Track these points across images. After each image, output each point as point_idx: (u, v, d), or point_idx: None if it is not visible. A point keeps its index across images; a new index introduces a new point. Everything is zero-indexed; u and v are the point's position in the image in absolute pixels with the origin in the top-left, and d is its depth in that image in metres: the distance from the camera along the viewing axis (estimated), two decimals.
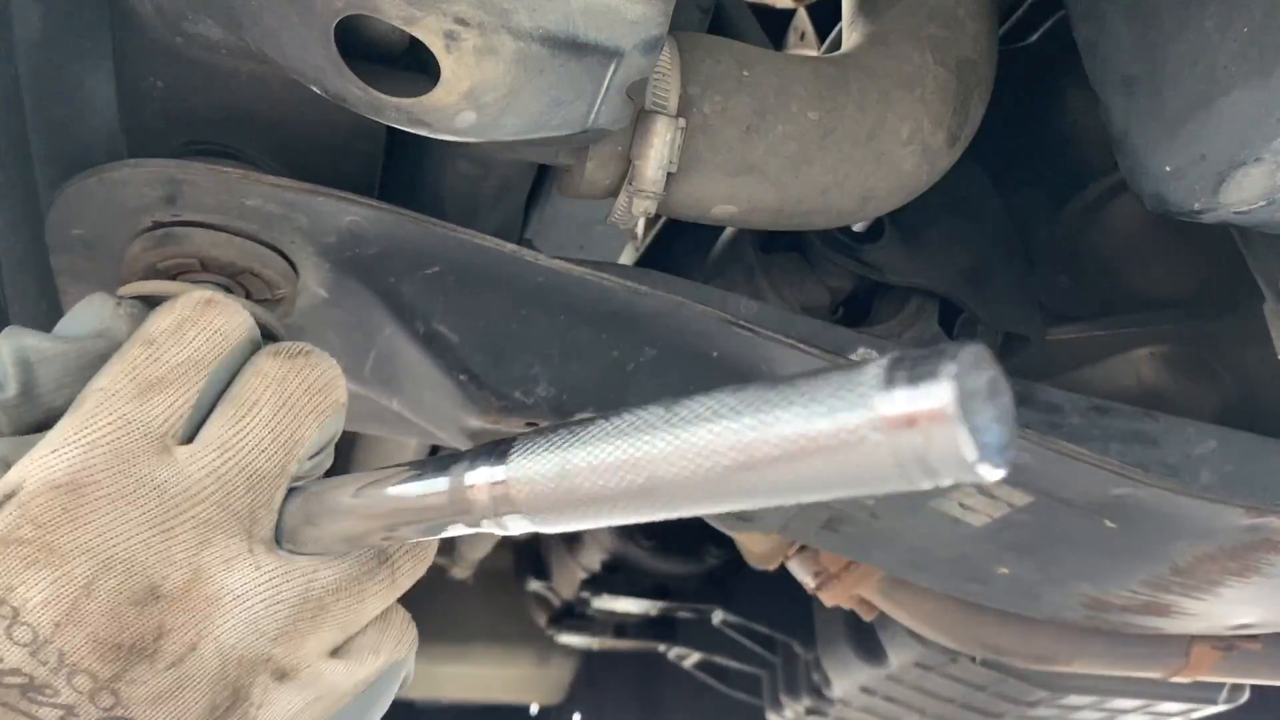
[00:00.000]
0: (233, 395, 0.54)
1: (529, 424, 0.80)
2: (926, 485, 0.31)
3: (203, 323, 0.55)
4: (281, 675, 0.52)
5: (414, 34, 0.56)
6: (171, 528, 0.49)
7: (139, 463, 0.50)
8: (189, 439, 0.53)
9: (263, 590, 0.51)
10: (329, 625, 0.54)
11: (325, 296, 0.77)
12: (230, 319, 0.56)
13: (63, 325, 0.59)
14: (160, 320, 0.55)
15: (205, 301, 0.56)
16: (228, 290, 0.73)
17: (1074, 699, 1.87)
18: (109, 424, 0.50)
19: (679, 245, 1.27)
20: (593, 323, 0.80)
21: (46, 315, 0.84)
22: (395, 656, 0.59)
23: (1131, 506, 0.93)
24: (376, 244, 0.73)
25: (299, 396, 0.55)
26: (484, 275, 0.76)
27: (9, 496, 0.48)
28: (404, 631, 0.60)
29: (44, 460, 0.49)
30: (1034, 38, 1.15)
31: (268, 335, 0.66)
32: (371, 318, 0.79)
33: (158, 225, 0.69)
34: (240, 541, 0.51)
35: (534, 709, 3.64)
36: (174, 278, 0.72)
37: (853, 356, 0.87)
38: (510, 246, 0.75)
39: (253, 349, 0.57)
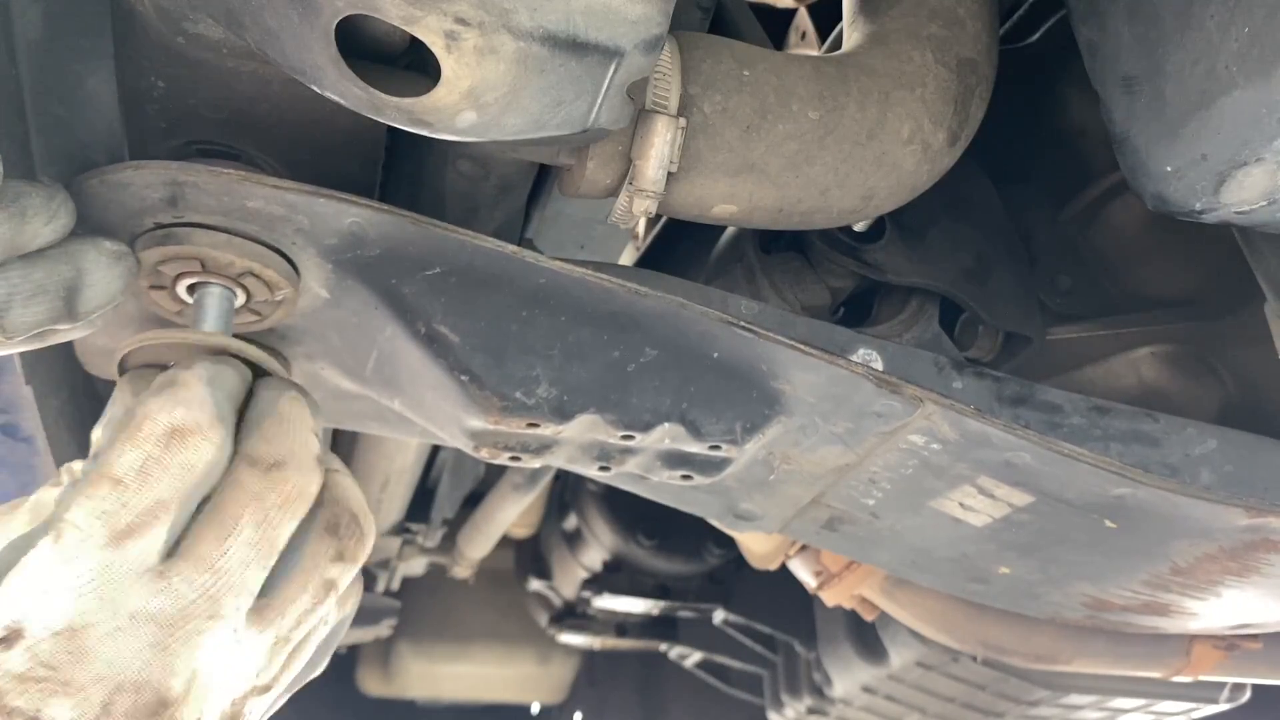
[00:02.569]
0: (215, 512, 0.60)
1: (530, 424, 0.80)
2: None
3: (168, 460, 0.59)
4: (263, 690, 0.64)
5: (414, 34, 0.56)
6: (169, 645, 0.57)
7: (129, 599, 0.57)
8: (173, 549, 0.59)
9: (249, 658, 0.61)
10: (290, 647, 0.64)
11: (327, 297, 0.77)
12: (197, 451, 0.60)
13: None
14: (125, 456, 0.59)
15: (170, 435, 0.59)
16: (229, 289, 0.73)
17: (1075, 698, 1.87)
18: (92, 571, 0.56)
19: (680, 245, 1.27)
20: (594, 323, 0.80)
21: None
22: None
23: (1132, 506, 0.93)
24: (378, 245, 0.73)
25: (276, 510, 0.62)
26: (485, 276, 0.77)
27: (14, 637, 0.55)
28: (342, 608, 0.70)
29: (39, 603, 0.55)
30: (1034, 38, 1.15)
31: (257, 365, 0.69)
32: (373, 318, 0.79)
33: (159, 226, 0.69)
34: (228, 632, 0.59)
35: (535, 708, 3.64)
36: (176, 279, 0.72)
37: (853, 357, 0.87)
38: (511, 247, 0.75)
39: (224, 462, 0.62)
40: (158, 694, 0.56)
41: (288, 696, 0.69)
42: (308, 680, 0.71)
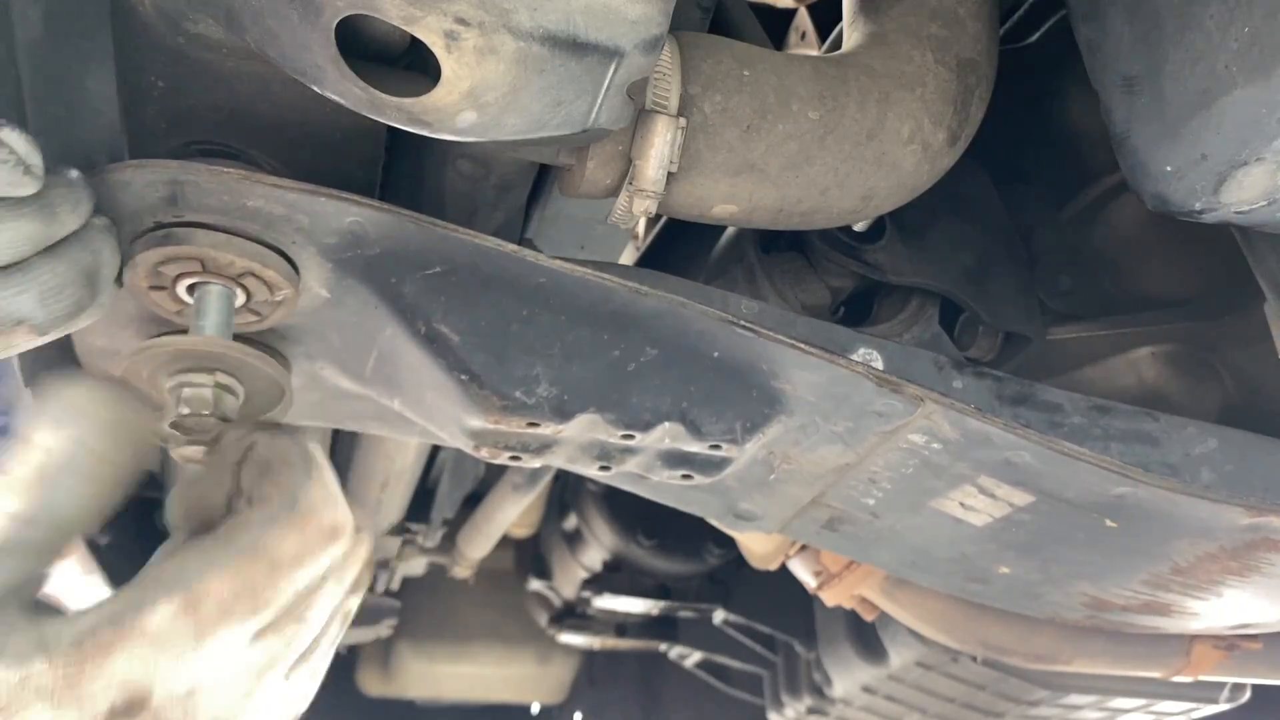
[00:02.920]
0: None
1: (530, 424, 0.80)
2: None
3: (326, 553, 0.64)
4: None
5: (414, 34, 0.56)
6: (254, 691, 0.61)
7: (239, 658, 0.60)
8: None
9: (297, 692, 0.65)
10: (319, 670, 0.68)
11: (327, 297, 0.77)
12: (346, 544, 0.65)
13: None
14: (286, 542, 0.61)
15: (333, 530, 0.64)
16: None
17: (1075, 698, 1.87)
18: (216, 639, 0.58)
19: (680, 245, 1.27)
20: (594, 322, 0.80)
21: None
22: None
23: (1132, 505, 0.93)
24: (378, 244, 0.73)
25: (352, 571, 0.67)
26: (485, 275, 0.77)
27: (140, 703, 0.55)
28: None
29: (159, 668, 0.56)
30: (1034, 38, 1.15)
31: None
32: (373, 318, 0.79)
33: (160, 226, 0.69)
34: (284, 671, 0.63)
35: (535, 708, 3.64)
36: (176, 279, 0.72)
37: (853, 357, 0.87)
38: (511, 246, 0.75)
39: None
40: None
41: None
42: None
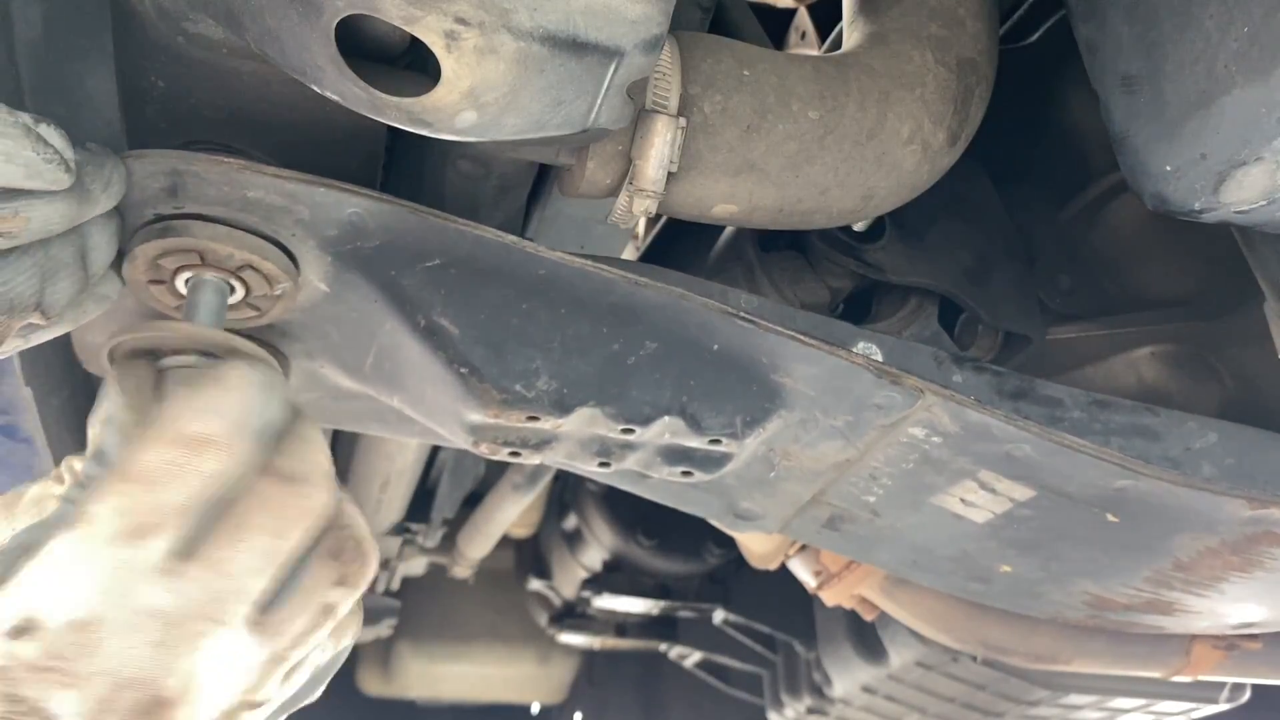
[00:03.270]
0: (230, 517, 0.60)
1: (530, 417, 0.80)
2: None
3: (191, 466, 0.59)
4: (254, 705, 0.64)
5: (414, 33, 0.56)
6: (171, 644, 0.58)
7: (139, 595, 0.57)
8: (187, 552, 0.59)
9: (244, 670, 0.62)
10: (286, 666, 0.65)
11: (326, 291, 0.77)
12: (218, 462, 0.59)
13: None
14: (148, 456, 0.59)
15: (194, 442, 0.59)
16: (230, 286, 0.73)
17: (1075, 698, 1.87)
18: (108, 566, 0.57)
19: (680, 245, 1.27)
20: (594, 315, 0.80)
21: None
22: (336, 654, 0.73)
23: (1134, 499, 0.93)
24: (377, 236, 0.73)
25: (290, 522, 0.62)
26: (485, 268, 0.77)
27: (30, 627, 0.56)
28: (341, 637, 0.71)
29: (56, 595, 0.56)
30: (1034, 38, 1.15)
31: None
32: (373, 312, 0.79)
33: (159, 218, 0.69)
34: (226, 635, 0.60)
35: (535, 708, 3.64)
36: (175, 273, 0.72)
37: (853, 349, 0.87)
38: (511, 237, 0.75)
39: (249, 473, 0.61)
40: (156, 692, 0.57)
41: None
42: (300, 706, 0.72)
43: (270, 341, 0.83)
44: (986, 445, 0.90)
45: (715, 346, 0.83)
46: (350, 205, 0.71)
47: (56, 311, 0.64)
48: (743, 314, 0.81)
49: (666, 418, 0.83)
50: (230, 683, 0.61)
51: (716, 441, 0.86)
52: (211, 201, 0.68)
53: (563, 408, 0.80)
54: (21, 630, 0.56)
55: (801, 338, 0.82)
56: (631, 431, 0.83)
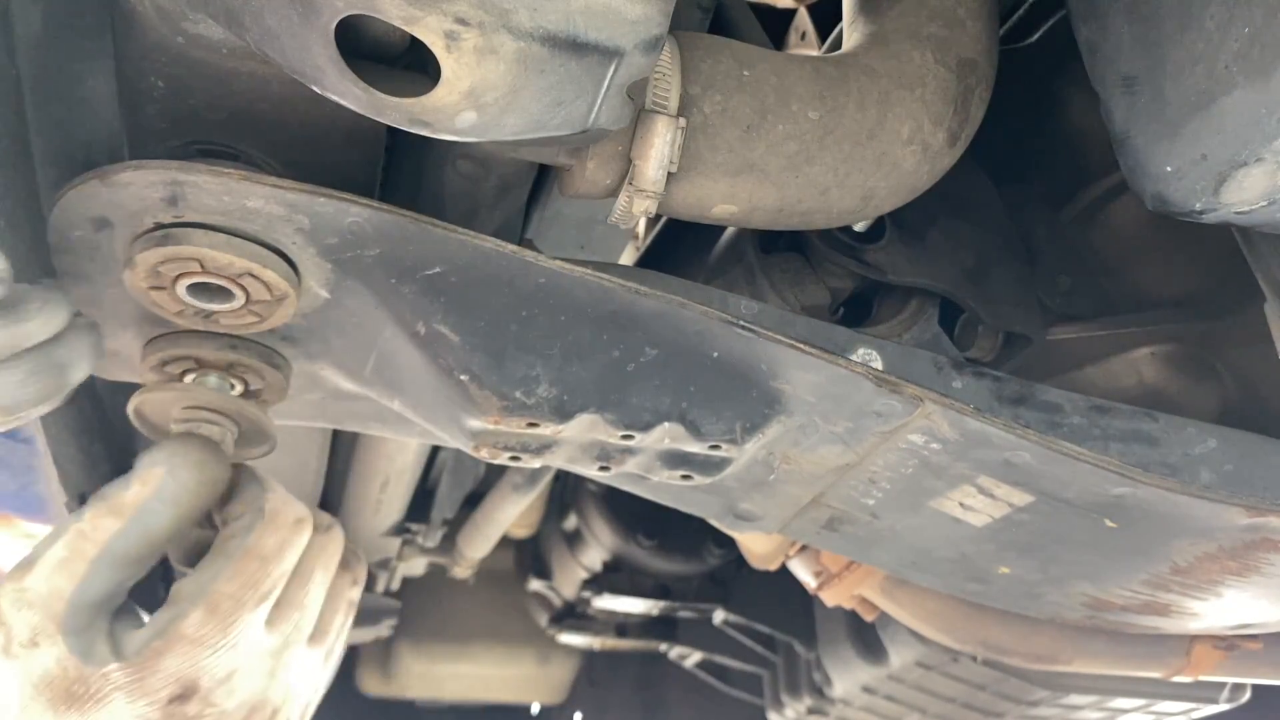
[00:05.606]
0: (298, 565, 0.81)
1: (530, 424, 0.80)
2: None
3: (296, 542, 0.80)
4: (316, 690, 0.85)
5: (414, 34, 0.56)
6: (276, 671, 0.78)
7: (259, 643, 0.77)
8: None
9: (313, 670, 0.83)
10: (333, 659, 0.88)
11: (327, 297, 0.77)
12: (308, 534, 0.83)
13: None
14: (266, 539, 0.78)
15: (296, 524, 0.81)
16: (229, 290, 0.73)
17: (1075, 698, 1.87)
18: (242, 631, 0.75)
19: (680, 245, 1.27)
20: (593, 323, 0.80)
21: None
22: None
23: (1132, 506, 0.93)
24: (378, 245, 0.73)
25: (333, 559, 0.86)
26: (485, 276, 0.77)
27: (190, 692, 0.72)
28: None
29: (207, 663, 0.73)
30: (1034, 38, 1.15)
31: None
32: (373, 319, 0.79)
33: (159, 226, 0.69)
34: (300, 650, 0.81)
35: (535, 708, 3.64)
36: (175, 280, 0.72)
37: (853, 357, 0.87)
38: (511, 247, 0.75)
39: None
40: (272, 705, 0.78)
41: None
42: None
43: (271, 346, 0.83)
44: (985, 452, 0.90)
45: (715, 353, 0.83)
46: (351, 214, 0.71)
47: (23, 411, 0.67)
48: (742, 322, 0.81)
49: (666, 424, 0.83)
50: (308, 683, 0.82)
51: (716, 447, 0.86)
52: (211, 211, 0.68)
53: (563, 414, 0.80)
54: (184, 697, 0.72)
55: (801, 346, 0.82)
56: (631, 437, 0.84)
